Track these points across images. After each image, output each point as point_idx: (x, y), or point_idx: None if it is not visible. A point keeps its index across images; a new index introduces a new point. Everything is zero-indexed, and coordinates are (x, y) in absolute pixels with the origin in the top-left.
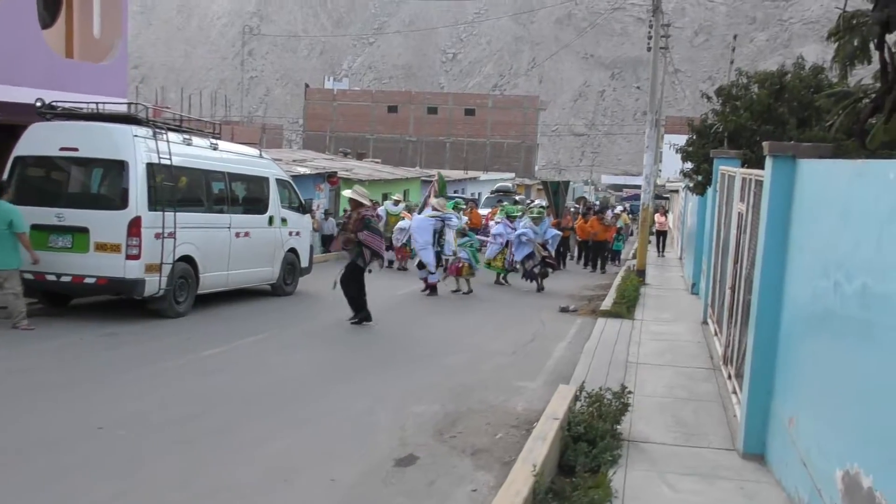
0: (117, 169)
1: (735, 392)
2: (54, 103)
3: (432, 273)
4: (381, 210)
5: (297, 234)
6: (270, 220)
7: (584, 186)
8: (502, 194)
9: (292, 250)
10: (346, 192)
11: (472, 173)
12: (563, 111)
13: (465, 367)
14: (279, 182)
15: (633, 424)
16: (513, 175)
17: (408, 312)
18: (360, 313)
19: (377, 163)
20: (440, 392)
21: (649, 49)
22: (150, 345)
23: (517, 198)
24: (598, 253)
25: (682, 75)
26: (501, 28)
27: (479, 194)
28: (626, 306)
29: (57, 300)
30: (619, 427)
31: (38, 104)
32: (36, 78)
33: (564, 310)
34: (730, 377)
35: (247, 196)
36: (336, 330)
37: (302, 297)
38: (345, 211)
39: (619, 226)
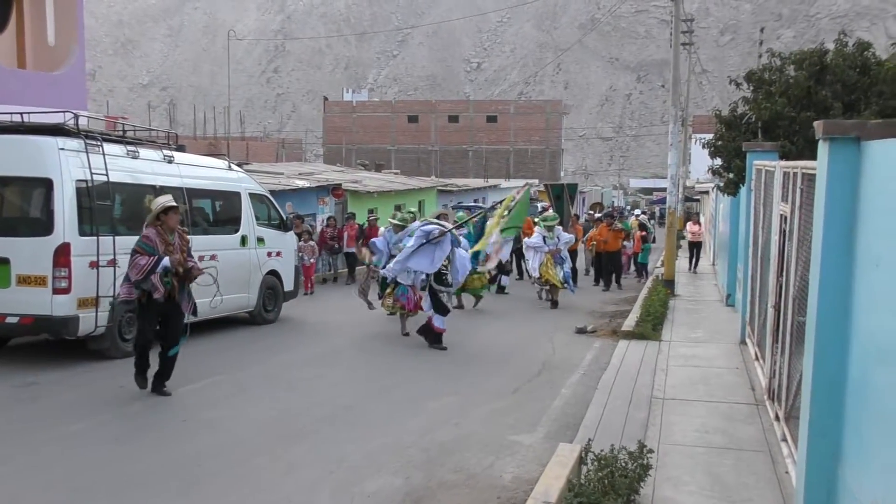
0: (41, 188)
1: (786, 440)
2: None
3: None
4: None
5: (278, 254)
6: (243, 239)
7: (613, 191)
8: None
9: (272, 273)
10: (162, 199)
11: (492, 181)
12: (589, 115)
13: (451, 414)
14: (254, 197)
15: (656, 489)
16: (536, 181)
17: (403, 343)
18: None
19: (396, 174)
20: (409, 455)
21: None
22: (68, 397)
23: (539, 205)
24: (611, 266)
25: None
26: (525, 35)
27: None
28: (651, 325)
29: None
30: (637, 497)
31: None
32: None
33: (581, 331)
34: (777, 418)
35: (212, 214)
36: (304, 369)
37: (284, 326)
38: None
39: (648, 232)
